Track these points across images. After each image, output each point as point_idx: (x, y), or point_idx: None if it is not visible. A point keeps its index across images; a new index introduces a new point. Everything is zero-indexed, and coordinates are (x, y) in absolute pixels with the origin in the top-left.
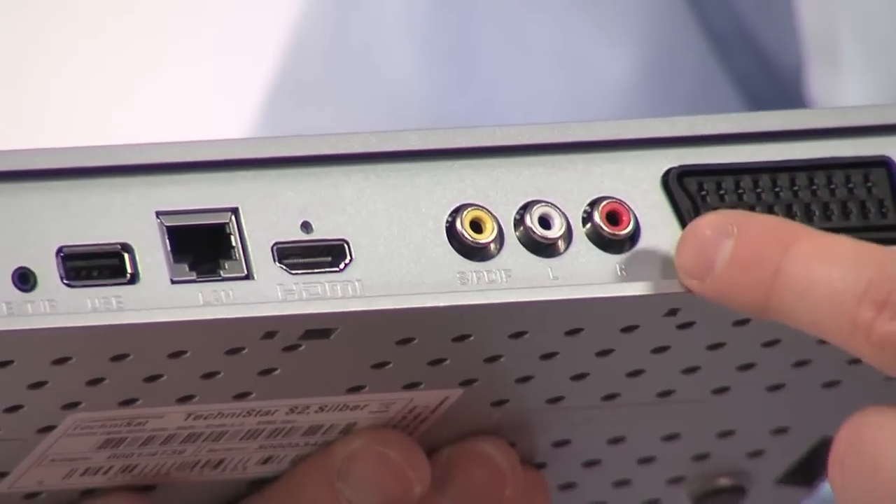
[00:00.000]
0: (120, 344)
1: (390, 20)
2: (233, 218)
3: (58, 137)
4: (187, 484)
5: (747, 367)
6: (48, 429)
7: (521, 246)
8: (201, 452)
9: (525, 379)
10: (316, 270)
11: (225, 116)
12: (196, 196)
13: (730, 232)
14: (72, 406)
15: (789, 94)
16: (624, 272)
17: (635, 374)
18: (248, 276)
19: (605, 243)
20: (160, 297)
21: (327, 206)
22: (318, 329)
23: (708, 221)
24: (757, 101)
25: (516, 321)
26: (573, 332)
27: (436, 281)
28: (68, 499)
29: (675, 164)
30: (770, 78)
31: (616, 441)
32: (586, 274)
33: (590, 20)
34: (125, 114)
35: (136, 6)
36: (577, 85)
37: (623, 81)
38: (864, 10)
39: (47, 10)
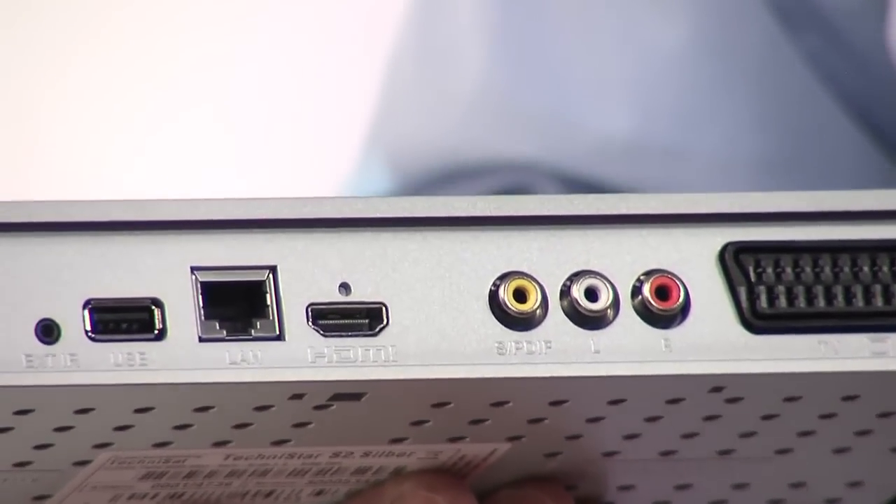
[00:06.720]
0: (143, 398)
1: (465, 18)
2: (270, 276)
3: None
4: None
5: (808, 433)
6: (83, 462)
7: (565, 317)
8: (249, 485)
9: (574, 437)
10: (350, 334)
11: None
12: (233, 253)
13: None
14: (103, 446)
15: (864, 69)
16: (668, 348)
17: (690, 435)
18: (280, 337)
19: (653, 318)
20: (186, 355)
21: (369, 268)
22: (347, 393)
23: None
24: (831, 78)
25: (555, 391)
26: (617, 402)
27: (473, 350)
28: None
29: (734, 239)
30: (841, 53)
31: (683, 487)
32: (629, 349)
33: None
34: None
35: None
36: (640, 62)
37: (681, 55)
38: None
39: (88, 55)
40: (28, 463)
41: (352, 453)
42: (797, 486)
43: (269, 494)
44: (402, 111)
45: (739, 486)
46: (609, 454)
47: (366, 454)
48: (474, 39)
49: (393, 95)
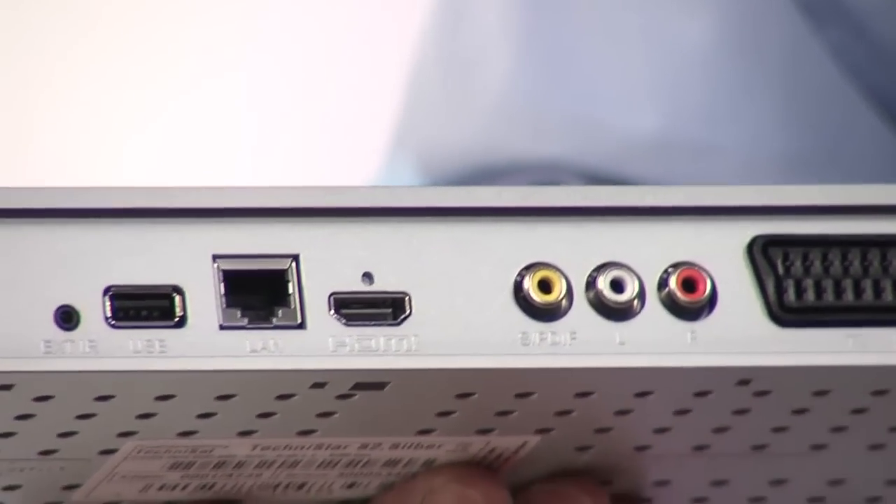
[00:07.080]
0: (163, 386)
1: (491, 28)
2: (293, 265)
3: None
4: (273, 502)
5: (840, 429)
6: (109, 451)
7: (590, 308)
8: (280, 476)
9: (604, 430)
10: (372, 323)
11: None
12: (256, 241)
13: None
14: (128, 434)
15: (889, 62)
16: (694, 340)
17: (722, 430)
18: (301, 326)
19: (679, 310)
20: (206, 342)
21: (392, 258)
22: (369, 382)
23: None
24: (856, 72)
25: (580, 383)
26: (644, 395)
27: (496, 340)
28: None
29: (763, 232)
30: (866, 46)
31: (719, 483)
32: (655, 340)
33: None
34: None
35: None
36: (665, 60)
37: (706, 52)
38: None
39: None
40: (54, 451)
41: (380, 445)
42: (836, 483)
43: (300, 486)
44: (429, 114)
45: (777, 483)
46: (641, 448)
47: (394, 446)
48: (499, 40)
49: (419, 98)
